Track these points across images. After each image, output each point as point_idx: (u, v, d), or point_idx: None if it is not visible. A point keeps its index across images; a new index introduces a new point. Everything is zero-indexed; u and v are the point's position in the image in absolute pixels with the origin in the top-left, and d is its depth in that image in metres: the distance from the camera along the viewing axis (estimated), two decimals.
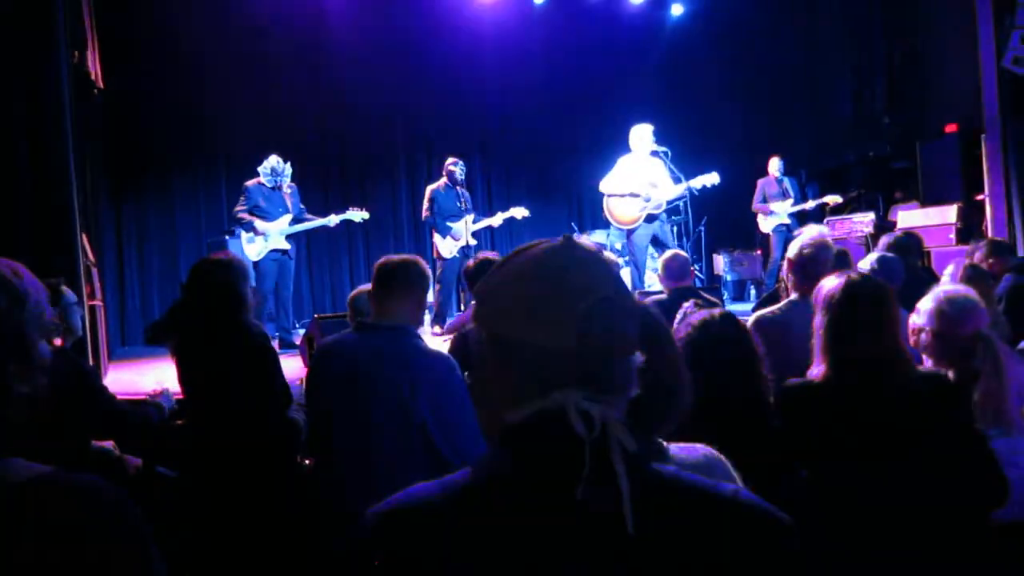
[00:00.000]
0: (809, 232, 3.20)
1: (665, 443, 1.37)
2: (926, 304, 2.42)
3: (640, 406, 1.34)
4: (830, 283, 2.10)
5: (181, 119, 8.13)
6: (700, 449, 1.38)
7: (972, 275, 3.27)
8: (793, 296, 3.14)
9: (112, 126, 7.60)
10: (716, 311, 2.10)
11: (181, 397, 3.19)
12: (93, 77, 5.49)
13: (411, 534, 0.82)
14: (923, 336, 2.42)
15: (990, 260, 4.07)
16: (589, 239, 3.02)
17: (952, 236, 7.54)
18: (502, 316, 0.88)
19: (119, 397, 3.18)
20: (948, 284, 2.54)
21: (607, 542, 0.79)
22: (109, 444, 3.38)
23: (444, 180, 7.28)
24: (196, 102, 8.12)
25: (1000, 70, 7.50)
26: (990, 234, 7.29)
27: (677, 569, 0.80)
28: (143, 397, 3.39)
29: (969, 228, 7.60)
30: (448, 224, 7.08)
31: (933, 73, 8.99)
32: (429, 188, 7.34)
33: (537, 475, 0.82)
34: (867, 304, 2.01)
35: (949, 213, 7.87)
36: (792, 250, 3.16)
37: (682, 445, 1.38)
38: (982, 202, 7.92)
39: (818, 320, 2.08)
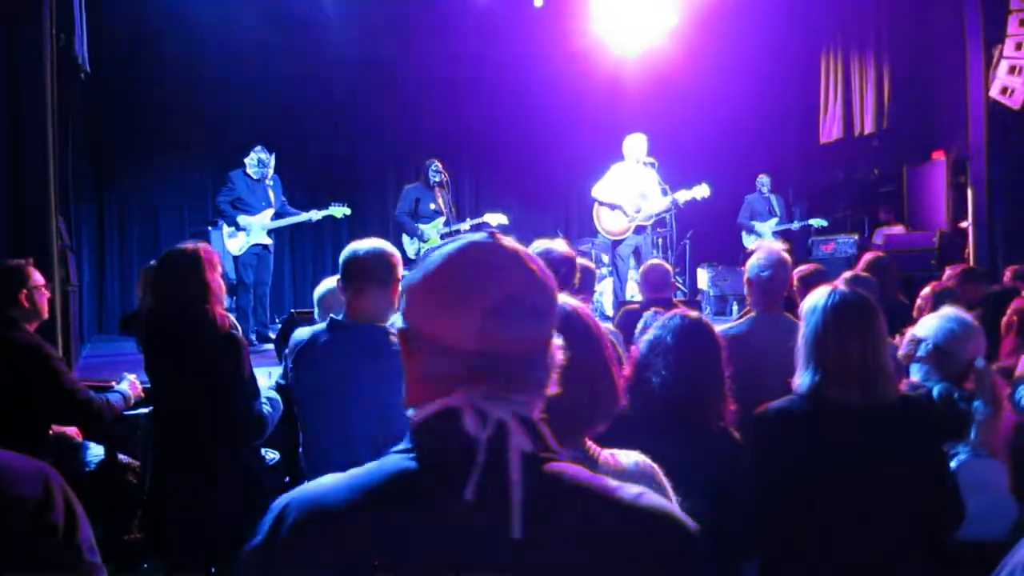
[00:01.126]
0: (765, 251, 3.21)
1: (598, 448, 1.37)
2: (932, 320, 2.46)
3: (567, 408, 1.35)
4: (816, 294, 2.10)
5: (169, 108, 8.09)
6: (632, 456, 1.38)
7: (946, 298, 3.29)
8: (753, 313, 3.16)
9: (99, 111, 7.56)
10: (682, 312, 2.10)
11: (148, 385, 3.17)
12: (80, 61, 5.44)
13: (311, 526, 0.80)
14: (921, 348, 2.44)
15: (964, 287, 4.09)
16: (558, 242, 2.99)
17: (933, 261, 7.61)
18: (411, 310, 0.87)
19: (88, 383, 3.15)
20: (949, 309, 2.57)
21: (495, 545, 0.77)
22: (72, 430, 3.36)
23: (420, 180, 7.15)
24: (184, 91, 8.09)
25: (987, 100, 7.58)
26: (971, 262, 7.35)
27: (568, 573, 0.77)
28: (109, 384, 3.36)
29: (951, 254, 7.66)
30: (419, 225, 6.94)
31: (923, 99, 9.07)
32: (407, 187, 7.21)
33: (432, 474, 0.81)
34: (853, 313, 2.00)
35: (932, 238, 7.94)
36: (751, 270, 3.17)
37: (615, 452, 1.38)
38: (965, 229, 7.99)
39: (802, 328, 2.07)
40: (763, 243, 3.44)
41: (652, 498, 0.84)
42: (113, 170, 8.21)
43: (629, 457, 1.37)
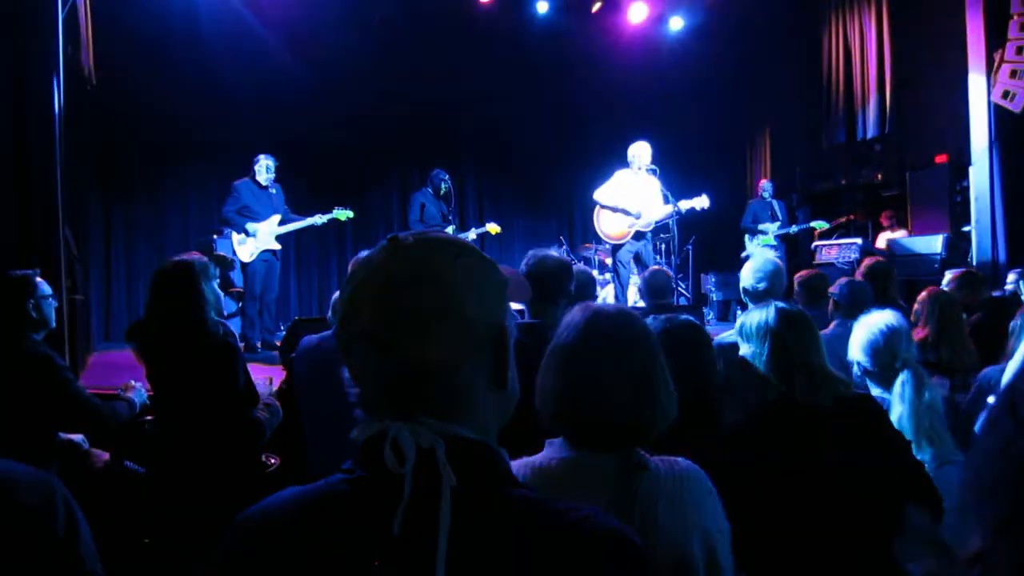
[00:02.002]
0: (758, 261, 3.24)
1: (647, 455, 1.38)
2: (858, 331, 2.50)
3: (629, 416, 1.36)
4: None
5: (174, 117, 8.14)
6: (681, 461, 1.40)
7: (943, 304, 3.30)
8: None
9: (105, 121, 7.62)
10: (674, 316, 2.12)
11: (152, 393, 3.21)
12: (87, 73, 5.50)
13: (254, 544, 0.80)
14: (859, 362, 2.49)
15: (963, 291, 4.10)
16: (552, 251, 3.00)
17: (937, 266, 7.59)
18: (341, 327, 0.86)
19: (94, 392, 3.19)
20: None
21: None
22: (79, 437, 3.39)
23: (428, 188, 7.43)
24: (190, 100, 8.14)
25: (990, 104, 7.58)
26: (975, 266, 7.34)
27: None
28: (115, 392, 3.39)
29: (954, 259, 7.65)
30: None
31: (926, 103, 9.07)
32: (414, 194, 7.48)
33: (363, 503, 0.78)
34: (785, 329, 2.05)
35: (935, 243, 7.93)
36: (745, 281, 3.20)
37: (663, 457, 1.39)
38: (968, 233, 7.98)
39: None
40: (755, 252, 3.47)
41: (601, 519, 0.78)
42: (120, 180, 8.26)
43: (677, 462, 1.39)
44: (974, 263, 7.60)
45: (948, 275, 4.61)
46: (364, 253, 2.54)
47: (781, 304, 2.12)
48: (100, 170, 7.96)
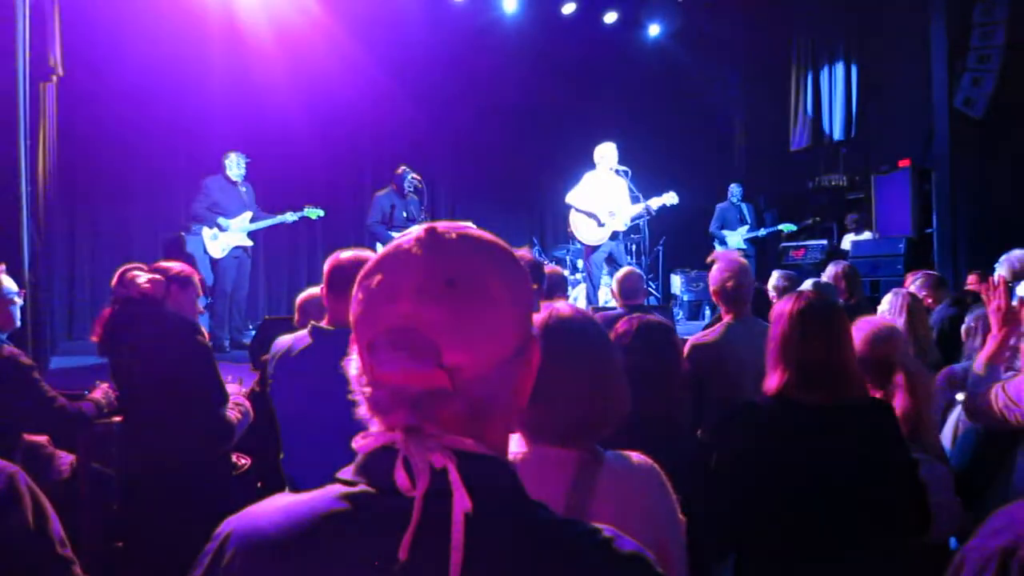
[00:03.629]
0: (724, 260, 3.29)
1: (602, 449, 1.41)
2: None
3: (580, 413, 1.38)
4: (783, 300, 2.17)
5: (143, 112, 8.00)
6: (635, 456, 1.43)
7: (910, 304, 3.37)
8: (727, 319, 3.22)
9: (71, 114, 7.46)
10: (645, 317, 2.15)
11: (118, 393, 3.16)
12: (52, 63, 5.40)
13: (245, 559, 0.75)
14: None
15: (925, 293, 4.20)
16: (523, 251, 3.01)
17: (900, 267, 7.76)
18: (365, 322, 0.79)
19: (59, 392, 3.13)
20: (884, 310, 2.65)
21: None
22: (42, 439, 3.33)
23: (392, 187, 7.12)
24: (159, 96, 8.01)
25: (952, 110, 7.77)
26: (936, 268, 7.51)
27: None
28: (81, 393, 3.34)
29: (916, 260, 7.82)
30: (391, 233, 6.83)
31: (890, 109, 9.26)
32: (378, 195, 7.15)
33: (364, 523, 0.73)
34: (817, 318, 2.06)
35: (899, 245, 8.10)
36: (714, 282, 3.25)
37: (618, 452, 1.42)
38: (930, 235, 8.17)
39: (772, 333, 2.13)
40: (720, 253, 3.52)
41: (620, 543, 0.75)
42: (85, 174, 8.10)
43: (633, 457, 1.41)
44: (936, 264, 7.77)
45: (910, 277, 4.72)
46: (345, 254, 2.54)
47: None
48: (66, 164, 7.80)
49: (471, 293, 0.74)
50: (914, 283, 4.40)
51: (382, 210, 7.00)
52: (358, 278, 0.78)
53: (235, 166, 6.66)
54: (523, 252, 3.24)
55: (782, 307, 2.13)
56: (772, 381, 2.06)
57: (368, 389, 0.77)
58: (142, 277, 2.88)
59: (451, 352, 0.73)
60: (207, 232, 6.55)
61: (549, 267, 4.51)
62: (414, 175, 7.06)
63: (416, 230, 0.79)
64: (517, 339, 0.78)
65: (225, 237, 6.54)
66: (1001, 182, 7.79)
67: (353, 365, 0.79)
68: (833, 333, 2.05)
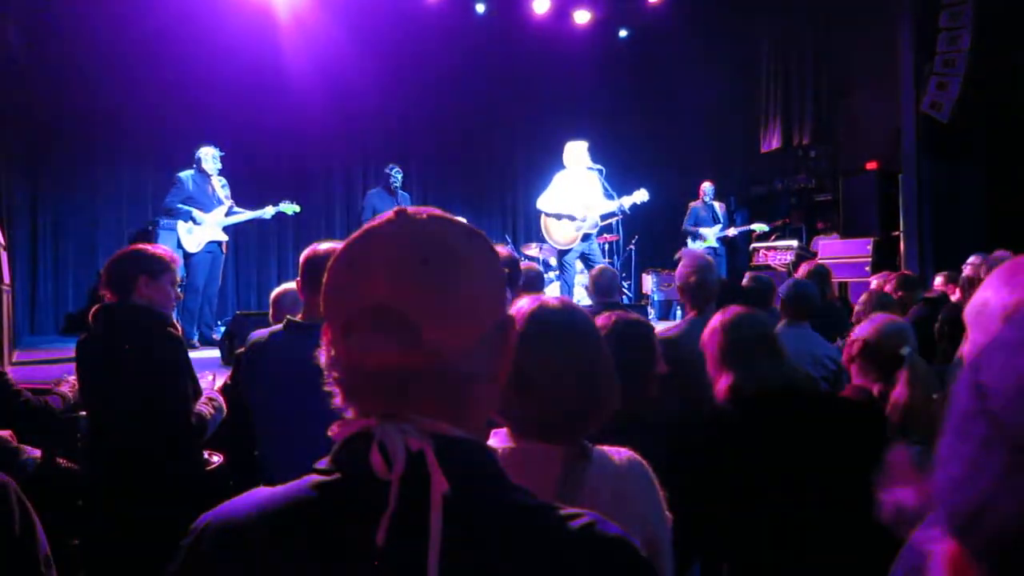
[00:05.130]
0: (689, 257, 3.32)
1: (590, 445, 1.39)
2: (864, 322, 2.57)
3: (567, 407, 1.37)
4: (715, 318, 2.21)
5: (109, 104, 7.84)
6: (623, 452, 1.41)
7: (883, 303, 3.43)
8: (690, 315, 3.25)
9: (35, 105, 7.29)
10: (621, 313, 2.15)
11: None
12: (14, 52, 5.26)
13: (220, 551, 0.74)
14: (854, 347, 2.54)
15: (899, 292, 4.26)
16: (499, 247, 2.99)
17: (867, 268, 7.89)
18: (339, 303, 0.78)
19: (22, 386, 3.05)
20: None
21: None
22: (6, 434, 3.24)
23: (381, 186, 7.49)
24: (127, 88, 7.85)
25: (918, 113, 7.91)
26: (903, 267, 7.65)
27: None
28: (47, 387, 3.25)
29: (883, 261, 7.96)
30: None
31: (858, 113, 9.41)
32: (369, 192, 7.52)
33: (341, 509, 0.72)
34: (744, 333, 2.12)
35: (866, 246, 8.24)
36: (679, 278, 3.28)
37: (605, 448, 1.40)
38: (897, 237, 8.31)
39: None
40: (685, 250, 3.56)
41: (603, 528, 0.73)
42: (48, 168, 7.91)
43: (620, 453, 1.39)
44: (902, 266, 7.91)
45: (875, 279, 4.80)
46: (323, 246, 2.50)
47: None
48: (28, 156, 7.62)
49: (446, 269, 0.74)
50: (887, 283, 4.47)
51: (373, 208, 7.19)
52: (329, 262, 0.78)
53: (210, 159, 6.56)
54: (501, 248, 3.22)
55: (712, 324, 2.21)
56: (722, 385, 2.11)
57: (343, 375, 0.76)
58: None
59: (430, 329, 0.72)
60: (182, 226, 6.45)
61: (524, 263, 4.50)
62: (400, 172, 7.40)
63: (386, 214, 0.79)
64: (493, 315, 0.78)
65: (200, 231, 6.45)
66: (967, 185, 7.97)
67: (326, 352, 0.78)
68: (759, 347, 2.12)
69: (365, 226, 0.78)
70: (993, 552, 0.44)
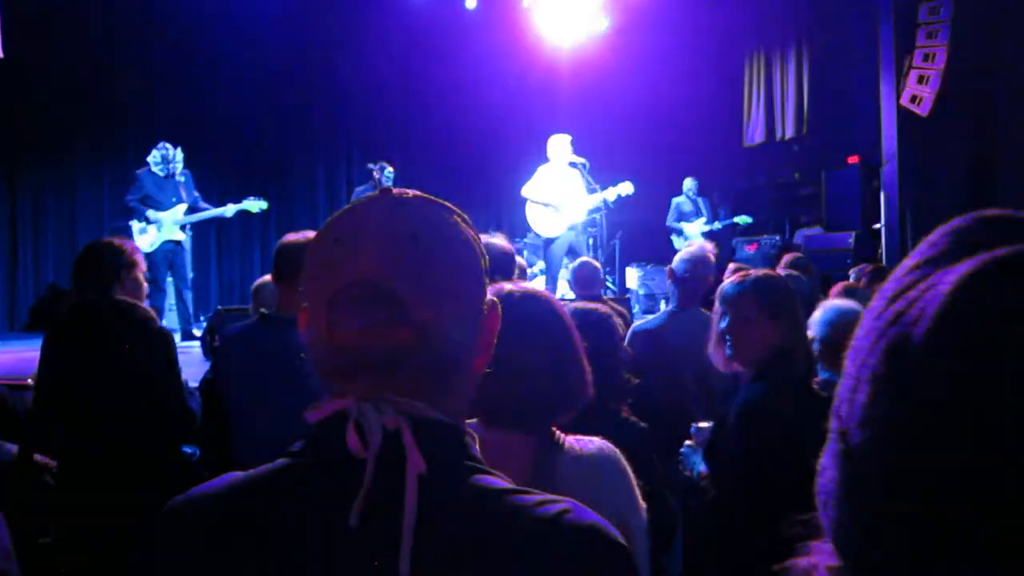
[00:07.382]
0: (690, 249, 3.32)
1: (562, 434, 1.39)
2: (815, 316, 2.56)
3: (536, 394, 1.36)
4: (728, 280, 2.18)
5: (90, 100, 7.78)
6: (596, 442, 1.41)
7: (845, 295, 3.43)
8: (671, 307, 3.25)
9: (14, 100, 7.21)
10: (585, 304, 2.15)
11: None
12: None
13: (183, 533, 0.72)
14: (815, 345, 2.55)
15: (872, 287, 4.28)
16: (498, 236, 3.00)
17: (849, 261, 7.93)
18: (325, 279, 0.76)
19: (2, 381, 3.03)
20: (830, 302, 2.70)
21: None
22: None
23: (369, 181, 7.36)
24: (108, 84, 7.79)
25: (899, 107, 7.95)
26: (884, 262, 7.70)
27: None
28: (25, 382, 3.23)
29: (865, 255, 8.01)
30: None
31: (840, 106, 9.46)
32: (357, 188, 7.51)
33: (314, 489, 0.70)
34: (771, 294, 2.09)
35: (848, 239, 8.29)
36: (675, 267, 3.27)
37: (578, 437, 1.40)
38: (878, 231, 8.37)
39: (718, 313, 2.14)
40: (693, 242, 3.55)
41: (578, 515, 0.72)
42: (28, 162, 7.84)
43: (592, 442, 1.39)
44: (883, 259, 7.96)
45: (852, 272, 4.82)
46: (292, 236, 2.48)
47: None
48: (6, 151, 7.54)
49: (434, 246, 0.73)
50: (862, 277, 4.49)
51: None
52: (312, 241, 0.77)
53: (158, 160, 6.50)
54: (498, 238, 3.18)
55: (726, 286, 2.17)
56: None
57: (324, 355, 0.74)
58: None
59: (418, 306, 0.71)
60: (136, 226, 6.43)
61: (494, 243, 4.49)
62: (390, 170, 7.32)
63: (371, 195, 0.78)
64: (478, 296, 0.78)
65: (155, 230, 6.41)
66: (947, 178, 8.02)
67: (306, 332, 0.76)
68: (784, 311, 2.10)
69: (349, 204, 0.78)
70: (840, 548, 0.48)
